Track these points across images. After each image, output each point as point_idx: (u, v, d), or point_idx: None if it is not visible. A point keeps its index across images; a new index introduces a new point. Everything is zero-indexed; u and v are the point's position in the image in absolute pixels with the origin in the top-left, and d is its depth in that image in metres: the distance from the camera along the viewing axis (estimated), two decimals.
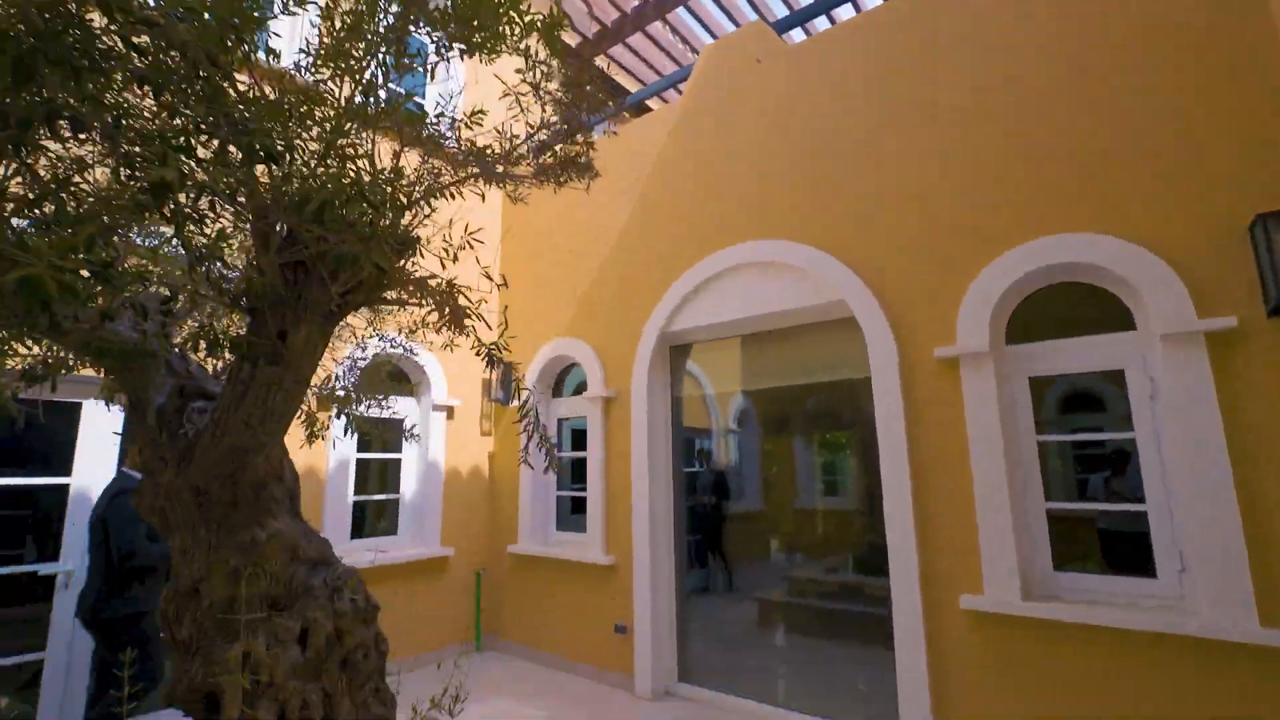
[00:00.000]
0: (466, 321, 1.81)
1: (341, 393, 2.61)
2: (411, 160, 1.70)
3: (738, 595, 4.70)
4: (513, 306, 5.90)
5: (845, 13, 5.67)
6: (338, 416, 2.51)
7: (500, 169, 1.85)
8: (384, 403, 2.80)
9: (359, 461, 5.11)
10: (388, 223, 1.52)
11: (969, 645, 3.12)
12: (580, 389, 5.35)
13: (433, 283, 1.81)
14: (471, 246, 2.29)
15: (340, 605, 1.74)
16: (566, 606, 4.93)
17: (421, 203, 1.81)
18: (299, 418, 2.63)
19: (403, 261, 1.91)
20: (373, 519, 5.30)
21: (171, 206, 1.05)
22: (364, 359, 2.92)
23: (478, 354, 1.78)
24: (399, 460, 5.22)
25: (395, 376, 5.15)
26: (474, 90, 5.48)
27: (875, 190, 3.78)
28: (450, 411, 5.44)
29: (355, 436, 2.87)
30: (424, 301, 1.83)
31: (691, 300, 4.50)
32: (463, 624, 5.32)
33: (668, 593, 4.46)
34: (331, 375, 2.73)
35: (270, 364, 1.52)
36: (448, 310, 1.79)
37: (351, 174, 1.31)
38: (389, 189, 1.36)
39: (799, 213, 4.07)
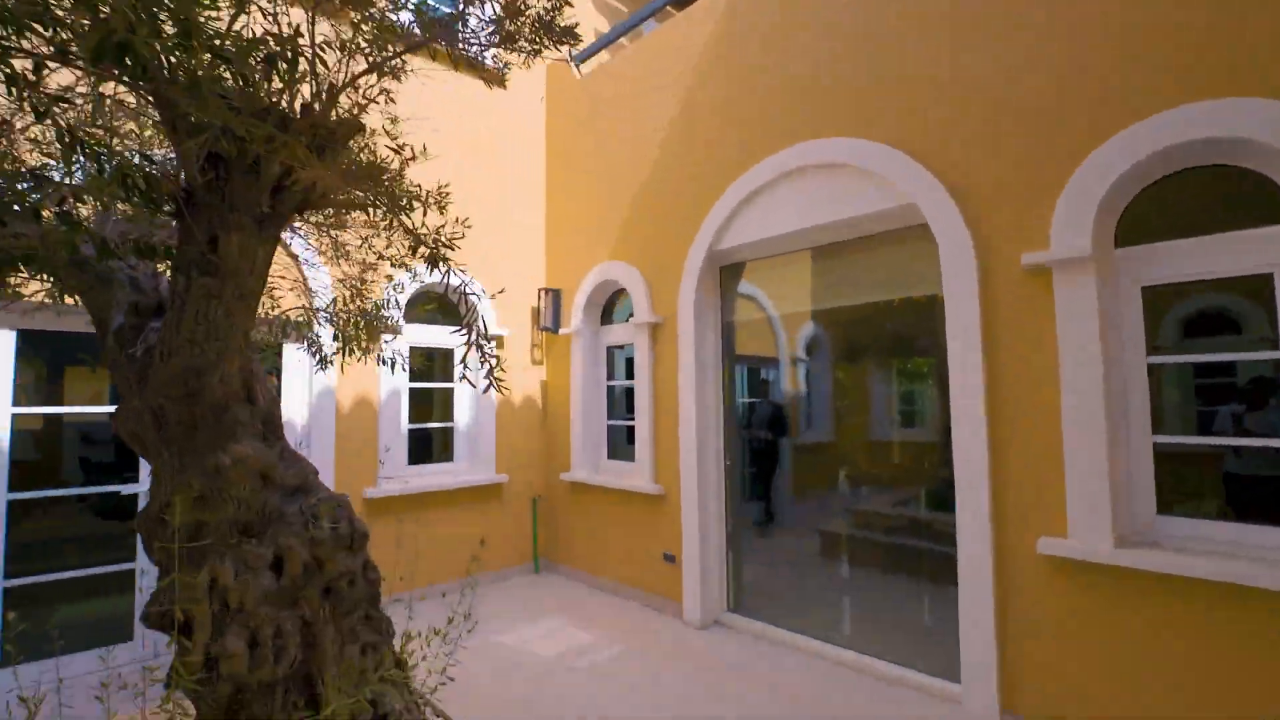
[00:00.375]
0: (413, 226, 1.59)
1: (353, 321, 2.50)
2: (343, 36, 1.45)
3: (797, 529, 4.49)
4: (559, 230, 5.66)
5: None
6: (345, 348, 2.41)
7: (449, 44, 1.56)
8: (389, 335, 2.68)
9: (426, 391, 5.19)
10: (297, 105, 1.29)
11: (1045, 594, 2.76)
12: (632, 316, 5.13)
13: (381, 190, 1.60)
14: (439, 206, 2.05)
15: (318, 533, 1.65)
16: (617, 534, 4.92)
17: (363, 88, 1.57)
18: (302, 343, 2.57)
19: (346, 163, 1.69)
20: (439, 447, 5.43)
21: None
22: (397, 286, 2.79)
23: (416, 253, 1.56)
24: (454, 390, 5.27)
25: (434, 305, 5.12)
26: None
27: (951, 74, 3.15)
28: (499, 341, 5.38)
29: (402, 367, 2.81)
30: (376, 205, 1.62)
31: (741, 213, 4.07)
32: (522, 548, 5.47)
33: (717, 524, 4.31)
34: (372, 301, 2.64)
35: (203, 274, 1.37)
36: (398, 213, 1.58)
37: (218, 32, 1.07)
38: (282, 51, 1.11)
39: (863, 105, 3.49)
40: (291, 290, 3.61)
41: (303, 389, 4.39)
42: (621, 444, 5.34)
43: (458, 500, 5.02)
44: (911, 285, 3.53)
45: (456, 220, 2.47)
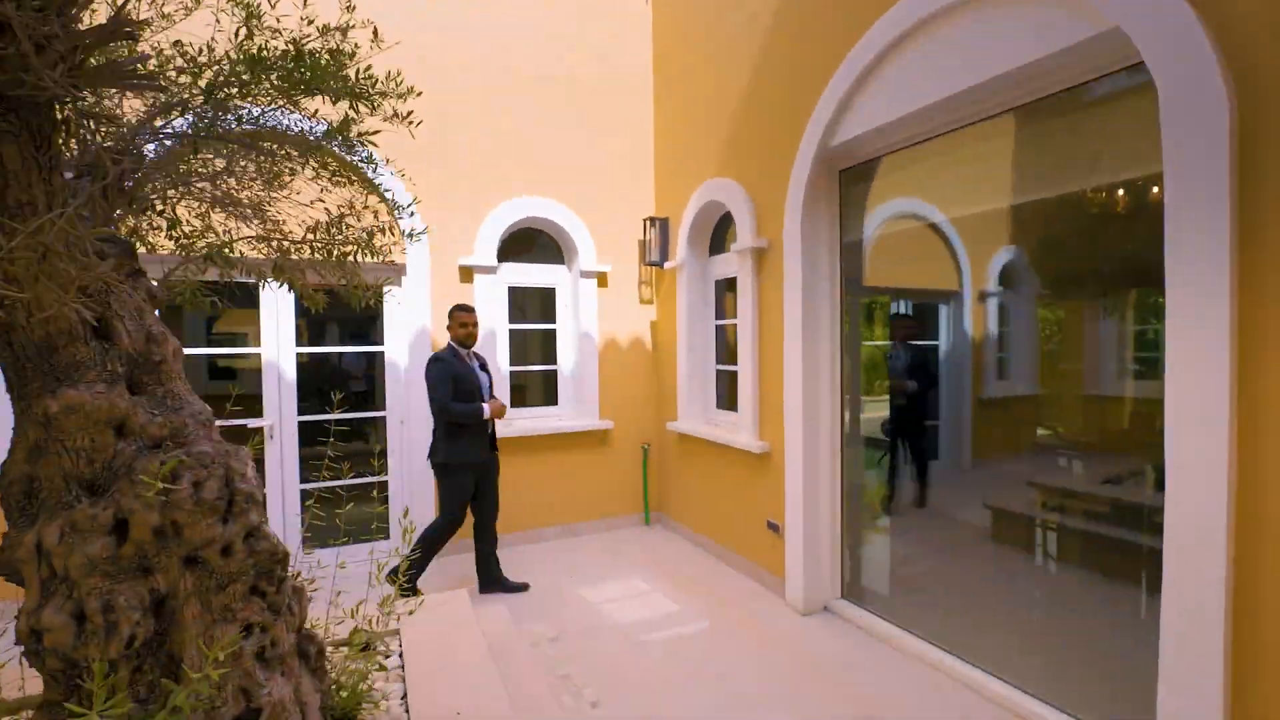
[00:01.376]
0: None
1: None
2: None
3: (958, 504, 3.50)
4: (666, 153, 5.00)
5: None
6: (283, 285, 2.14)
7: None
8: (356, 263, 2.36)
9: (533, 332, 5.06)
10: None
11: None
12: None
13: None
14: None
15: (178, 495, 1.40)
16: (721, 492, 4.35)
17: None
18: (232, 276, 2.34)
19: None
20: (543, 392, 5.31)
21: None
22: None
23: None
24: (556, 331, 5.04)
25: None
26: None
27: None
28: (601, 278, 4.98)
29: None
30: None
31: (863, 89, 3.06)
32: (631, 497, 5.18)
33: (829, 492, 3.52)
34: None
35: None
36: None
37: None
38: None
39: None
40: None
41: (395, 331, 4.45)
42: (733, 392, 4.68)
43: (562, 445, 4.85)
44: (1130, 164, 2.31)
45: (400, 116, 2.06)
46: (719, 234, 4.60)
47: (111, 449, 1.39)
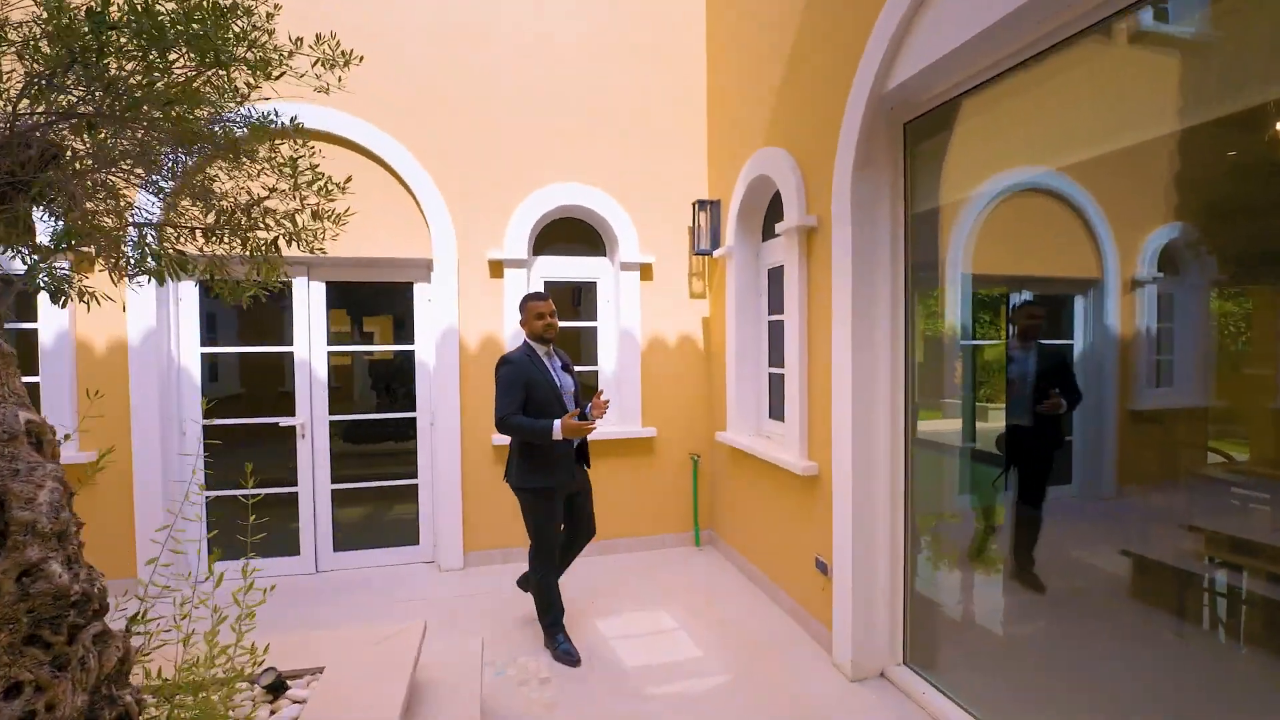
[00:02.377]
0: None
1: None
2: None
3: (1082, 548, 2.63)
4: (719, 126, 4.42)
5: None
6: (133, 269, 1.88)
7: None
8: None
9: (570, 330, 4.72)
10: None
11: None
12: None
13: None
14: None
15: None
16: (770, 518, 3.72)
17: None
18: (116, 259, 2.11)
19: None
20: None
21: None
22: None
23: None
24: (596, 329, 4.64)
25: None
26: None
27: None
28: (645, 270, 4.51)
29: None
30: None
31: (922, 10, 2.34)
32: (679, 514, 4.66)
33: (888, 526, 2.80)
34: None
35: None
36: None
37: None
38: None
39: None
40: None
41: (429, 328, 4.28)
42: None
43: (599, 453, 4.44)
44: None
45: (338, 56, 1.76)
46: (772, 215, 3.96)
47: None
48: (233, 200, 2.03)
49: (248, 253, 2.00)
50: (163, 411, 3.78)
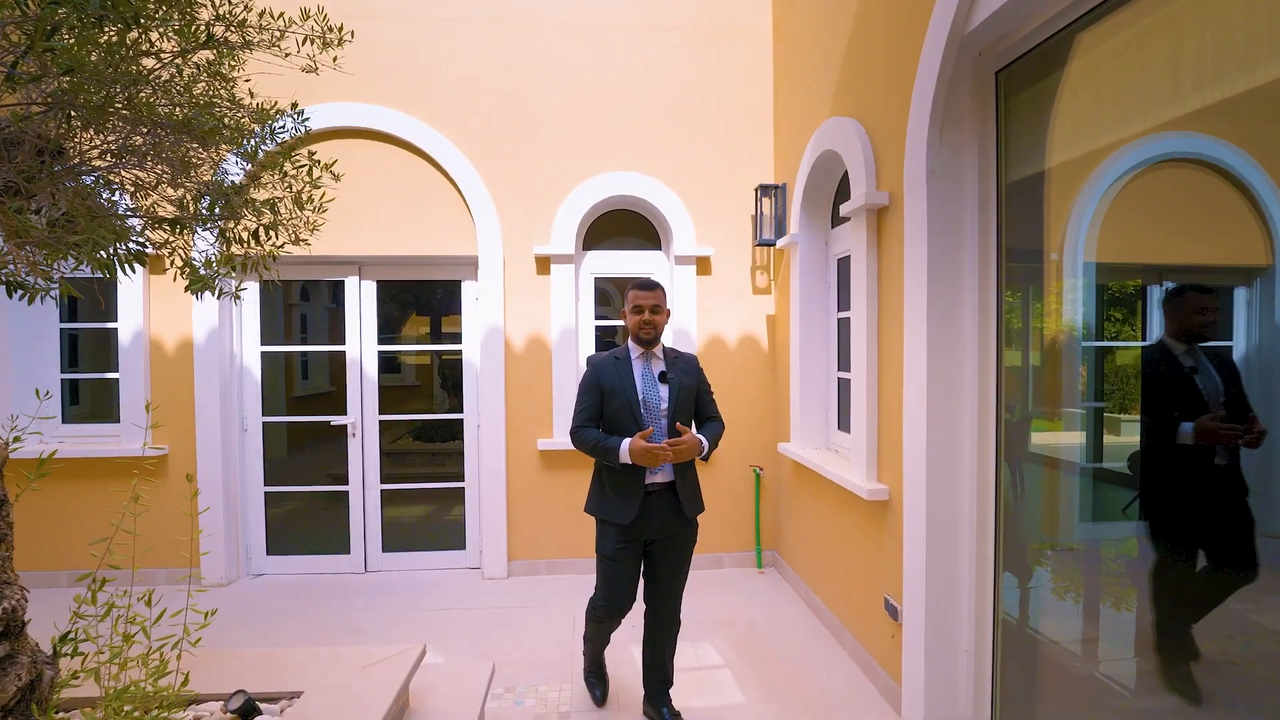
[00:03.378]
0: None
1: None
2: None
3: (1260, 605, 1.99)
4: (785, 104, 3.97)
5: None
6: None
7: None
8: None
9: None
10: None
11: None
12: None
13: None
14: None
15: None
16: (834, 546, 3.23)
17: None
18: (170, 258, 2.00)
19: None
20: None
21: None
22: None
23: None
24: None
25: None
26: None
27: None
28: (702, 263, 4.14)
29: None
30: None
31: None
32: (740, 530, 4.24)
33: (971, 569, 2.28)
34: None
35: None
36: None
37: None
38: None
39: None
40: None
41: (473, 329, 4.15)
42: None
43: None
44: None
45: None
46: (842, 198, 3.46)
47: None
48: (206, 185, 1.90)
49: (226, 245, 1.87)
50: (224, 408, 3.89)
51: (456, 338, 4.25)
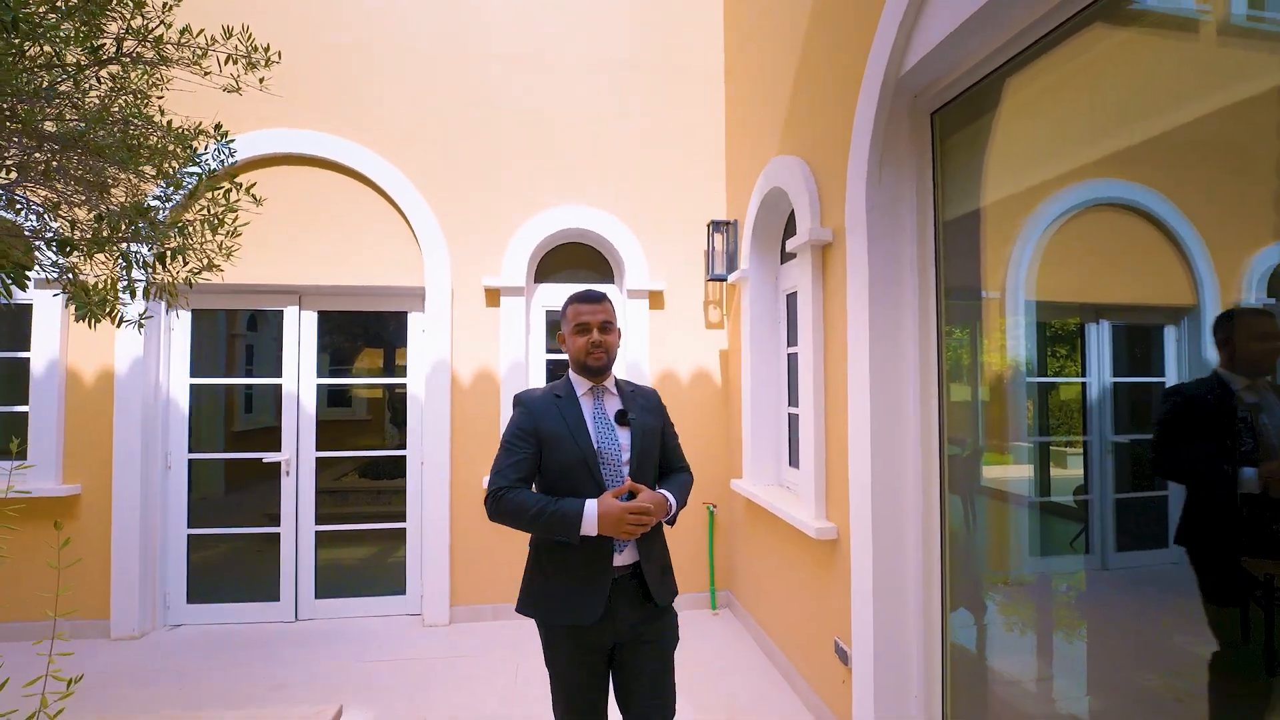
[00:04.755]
0: None
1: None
2: None
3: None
4: (737, 141, 4.04)
5: None
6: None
7: None
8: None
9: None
10: None
11: None
12: None
13: None
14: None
15: None
16: (785, 586, 3.15)
17: None
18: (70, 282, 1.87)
19: None
20: None
21: None
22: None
23: None
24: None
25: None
26: None
27: None
28: (654, 297, 4.12)
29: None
30: None
31: None
32: (696, 569, 4.13)
33: (919, 610, 2.22)
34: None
35: None
36: None
37: None
38: None
39: None
40: None
41: (419, 362, 4.01)
42: None
43: None
44: None
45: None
46: (790, 233, 3.50)
47: None
48: (115, 208, 1.78)
49: (127, 270, 1.74)
50: (145, 444, 3.64)
51: (406, 371, 4.11)
